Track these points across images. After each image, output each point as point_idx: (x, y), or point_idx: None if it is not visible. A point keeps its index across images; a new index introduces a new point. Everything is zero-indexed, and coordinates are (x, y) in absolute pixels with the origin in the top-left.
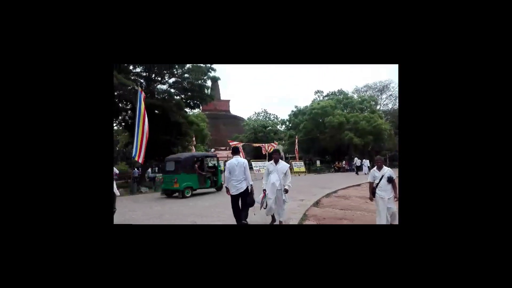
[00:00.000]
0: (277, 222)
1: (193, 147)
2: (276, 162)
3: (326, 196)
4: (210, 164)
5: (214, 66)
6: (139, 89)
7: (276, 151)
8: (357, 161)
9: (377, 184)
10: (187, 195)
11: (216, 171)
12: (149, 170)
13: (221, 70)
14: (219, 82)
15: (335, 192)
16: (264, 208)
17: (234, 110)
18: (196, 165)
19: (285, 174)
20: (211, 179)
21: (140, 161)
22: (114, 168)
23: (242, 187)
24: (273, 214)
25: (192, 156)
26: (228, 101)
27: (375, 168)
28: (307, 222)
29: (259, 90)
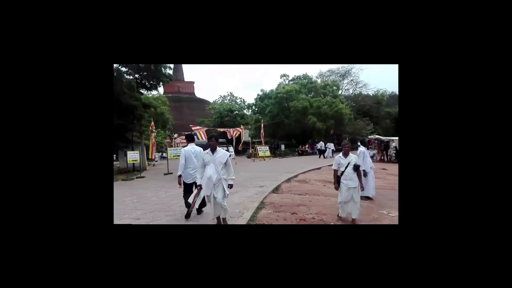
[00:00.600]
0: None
1: (152, 132)
2: (213, 150)
3: (286, 181)
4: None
5: None
6: None
7: (212, 138)
8: (321, 144)
9: (342, 172)
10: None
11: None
12: None
13: None
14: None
15: (295, 176)
16: (197, 209)
17: (200, 93)
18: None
19: (225, 164)
20: None
21: None
22: None
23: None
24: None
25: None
26: (193, 83)
27: (340, 154)
28: (264, 211)
29: (226, 73)
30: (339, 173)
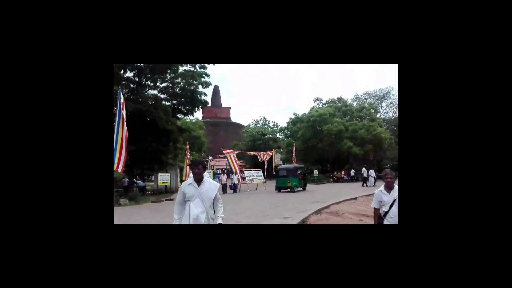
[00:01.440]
0: None
1: (187, 155)
2: (199, 181)
3: (316, 212)
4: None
5: (209, 71)
6: (120, 91)
7: (197, 163)
8: (364, 171)
9: (386, 212)
10: (294, 191)
11: (304, 177)
12: (136, 179)
13: (223, 78)
14: (221, 89)
15: (327, 207)
16: None
17: (236, 117)
18: (297, 172)
19: (215, 199)
20: (301, 182)
21: (120, 170)
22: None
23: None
24: None
25: (295, 167)
26: (229, 108)
27: (382, 187)
28: None
29: (261, 98)
30: (381, 213)
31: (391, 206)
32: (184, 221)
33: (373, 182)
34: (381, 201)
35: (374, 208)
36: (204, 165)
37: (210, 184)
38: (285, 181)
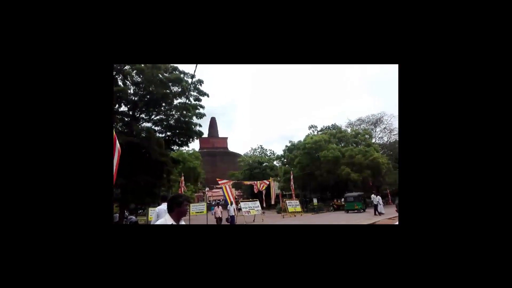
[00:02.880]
0: None
1: (182, 187)
2: (178, 218)
3: None
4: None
5: (205, 103)
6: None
7: (176, 198)
8: (374, 198)
9: None
10: (360, 212)
11: (364, 201)
12: (127, 213)
13: (218, 110)
14: (217, 121)
15: None
16: None
17: (233, 147)
18: (360, 198)
19: None
20: (363, 205)
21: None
22: None
23: None
24: None
25: (359, 194)
26: (226, 138)
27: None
28: None
29: (258, 127)
30: None
31: None
32: None
33: (383, 209)
34: None
35: None
36: (186, 201)
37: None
38: (352, 204)
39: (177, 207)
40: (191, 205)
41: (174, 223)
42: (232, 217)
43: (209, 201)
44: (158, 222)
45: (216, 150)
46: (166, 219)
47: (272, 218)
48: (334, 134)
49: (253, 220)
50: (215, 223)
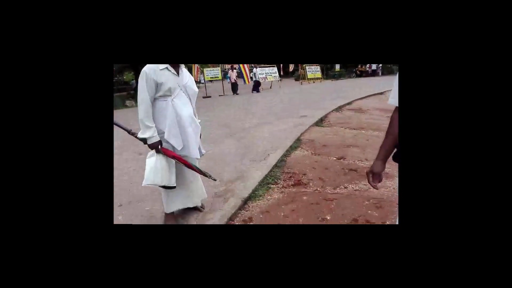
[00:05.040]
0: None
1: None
2: (176, 66)
3: (337, 109)
4: None
5: None
6: None
7: None
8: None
9: None
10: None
11: None
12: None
13: None
14: None
15: (349, 103)
16: (167, 187)
17: None
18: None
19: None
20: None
21: None
22: None
23: None
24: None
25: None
26: None
27: None
28: (298, 152)
29: None
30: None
31: None
32: (170, 128)
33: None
34: None
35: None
36: None
37: (189, 75)
38: None
39: None
40: (204, 70)
41: (172, 68)
42: (258, 82)
43: (225, 69)
44: (152, 67)
45: None
46: (163, 67)
47: (290, 85)
48: None
49: (270, 87)
50: (230, 89)
